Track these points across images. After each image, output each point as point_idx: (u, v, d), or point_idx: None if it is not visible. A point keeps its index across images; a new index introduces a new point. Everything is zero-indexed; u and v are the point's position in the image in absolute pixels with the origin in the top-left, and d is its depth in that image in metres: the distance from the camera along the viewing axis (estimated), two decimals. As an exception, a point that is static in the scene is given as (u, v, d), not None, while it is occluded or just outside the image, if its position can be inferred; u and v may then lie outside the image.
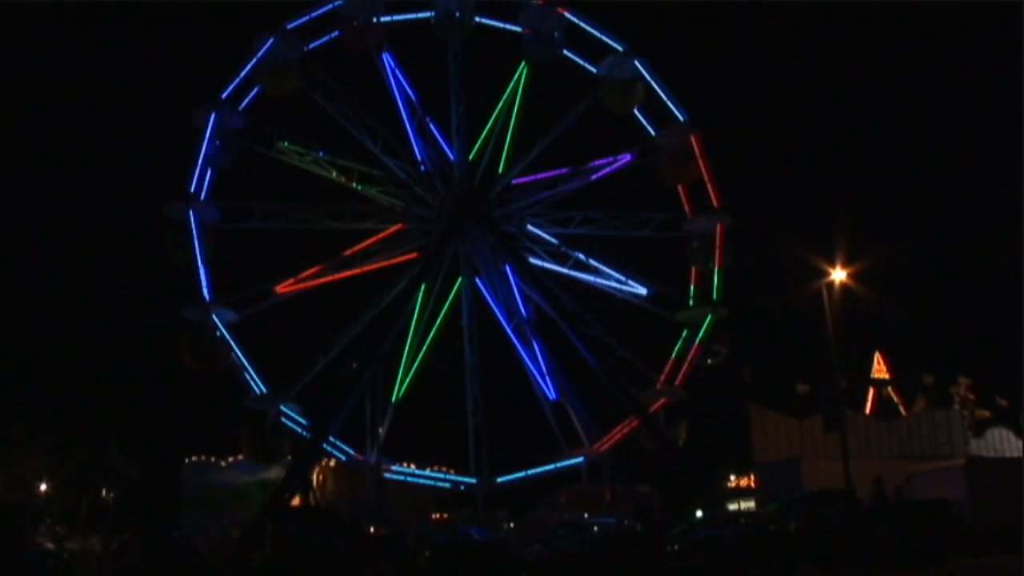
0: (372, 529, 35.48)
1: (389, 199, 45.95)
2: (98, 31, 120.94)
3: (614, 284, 47.17)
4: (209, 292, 41.92)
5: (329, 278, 45.21)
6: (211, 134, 43.05)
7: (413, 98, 46.65)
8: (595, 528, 32.84)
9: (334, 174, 45.42)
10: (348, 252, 45.26)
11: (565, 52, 47.47)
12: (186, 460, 56.84)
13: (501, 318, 47.10)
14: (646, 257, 48.81)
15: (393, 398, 44.77)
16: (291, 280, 44.30)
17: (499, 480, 45.23)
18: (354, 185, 45.39)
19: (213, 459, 55.95)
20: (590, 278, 47.21)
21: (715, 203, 46.72)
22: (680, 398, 44.99)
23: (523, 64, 47.26)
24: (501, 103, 47.02)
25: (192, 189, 42.70)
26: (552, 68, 48.14)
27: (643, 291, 47.00)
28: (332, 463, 50.66)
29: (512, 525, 47.23)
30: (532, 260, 46.34)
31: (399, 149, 45.66)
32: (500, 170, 46.63)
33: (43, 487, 58.72)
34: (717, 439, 58.76)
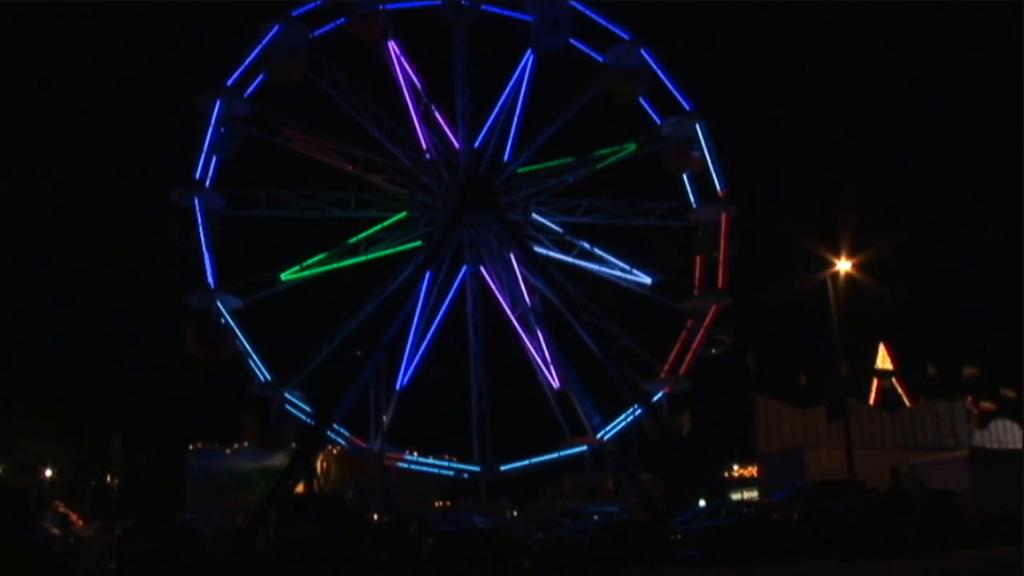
0: (375, 516, 35.53)
1: (394, 187, 45.94)
2: (104, 17, 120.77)
3: (619, 273, 47.19)
4: (214, 279, 42.01)
5: (334, 265, 45.24)
6: (216, 121, 43.06)
7: (418, 86, 46.64)
8: (598, 517, 32.84)
9: (339, 161, 45.37)
10: (353, 239, 45.30)
11: (571, 40, 47.38)
12: (191, 447, 57.04)
13: (506, 306, 47.17)
14: (651, 246, 48.60)
15: (397, 386, 44.89)
16: (295, 267, 44.36)
17: (502, 468, 45.42)
18: (359, 172, 45.37)
19: (217, 446, 56.13)
20: (595, 267, 47.23)
21: (720, 192, 46.71)
22: (684, 387, 45.04)
23: (529, 52, 47.19)
24: (507, 91, 47.01)
25: (197, 176, 42.73)
26: (558, 56, 48.12)
27: (648, 280, 47.04)
28: (336, 450, 50.79)
29: (515, 513, 47.31)
30: (537, 248, 46.34)
31: (404, 137, 45.67)
32: (505, 158, 46.64)
33: (48, 472, 58.94)
34: (721, 428, 58.77)
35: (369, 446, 43.31)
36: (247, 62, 44.13)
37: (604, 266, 47.21)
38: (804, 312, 47.95)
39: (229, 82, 43.91)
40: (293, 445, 42.46)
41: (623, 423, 44.79)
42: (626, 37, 47.05)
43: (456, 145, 46.67)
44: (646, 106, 47.90)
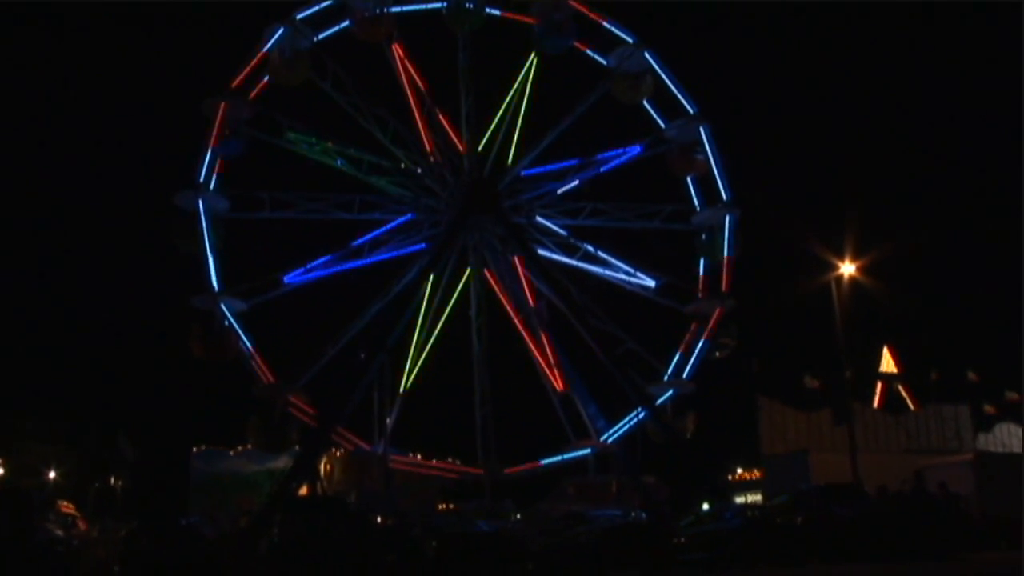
0: (379, 519, 35.53)
1: (398, 190, 46.01)
2: (108, 20, 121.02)
3: (623, 276, 47.18)
4: (218, 281, 42.02)
5: (338, 268, 45.28)
6: (221, 124, 43.08)
7: (422, 88, 46.65)
8: (601, 520, 32.81)
9: (342, 163, 45.42)
10: (357, 242, 45.33)
11: (575, 43, 47.39)
12: (194, 449, 57.03)
13: (509, 309, 47.17)
14: (654, 249, 48.62)
15: (401, 388, 44.91)
16: (299, 270, 44.38)
17: (506, 471, 45.38)
18: (363, 175, 45.42)
19: (221, 448, 56.11)
20: (599, 270, 47.23)
21: (724, 196, 46.69)
22: (688, 390, 45.02)
23: (533, 55, 47.22)
24: (511, 94, 47.05)
25: (201, 178, 42.76)
26: (562, 59, 48.13)
27: (651, 283, 47.02)
28: (340, 453, 50.79)
29: (518, 516, 47.26)
30: (541, 252, 46.34)
31: (408, 140, 45.71)
32: (509, 161, 46.67)
33: (52, 474, 59.02)
34: (724, 431, 58.76)
35: (373, 449, 43.32)
36: (251, 65, 44.17)
37: (608, 269, 47.21)
38: (808, 315, 47.96)
39: (233, 85, 43.92)
40: (296, 448, 42.47)
41: (627, 426, 44.78)
42: (630, 40, 47.07)
43: (460, 148, 46.68)
44: (650, 109, 47.92)
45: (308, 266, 44.43)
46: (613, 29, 47.20)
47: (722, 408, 56.07)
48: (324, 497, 39.26)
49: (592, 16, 47.04)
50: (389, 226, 45.68)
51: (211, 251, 42.09)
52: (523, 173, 46.99)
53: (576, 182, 47.73)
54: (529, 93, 46.96)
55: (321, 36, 45.32)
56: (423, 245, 45.92)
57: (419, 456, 46.44)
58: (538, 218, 47.25)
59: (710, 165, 46.78)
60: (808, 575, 23.48)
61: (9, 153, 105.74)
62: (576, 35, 47.19)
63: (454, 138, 46.79)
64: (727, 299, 45.64)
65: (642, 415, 44.08)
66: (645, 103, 47.77)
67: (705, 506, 37.77)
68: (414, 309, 44.27)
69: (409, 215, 45.95)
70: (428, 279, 44.23)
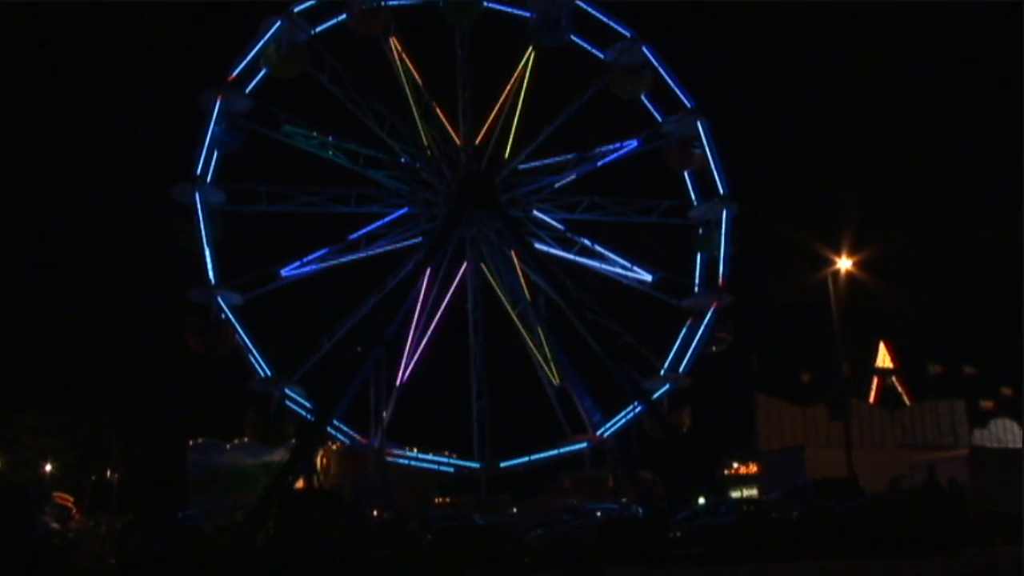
0: (375, 512, 35.55)
1: (395, 183, 45.92)
2: (105, 12, 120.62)
3: (619, 270, 47.17)
4: (214, 274, 41.89)
5: (334, 262, 45.23)
6: (217, 117, 42.98)
7: (420, 82, 46.56)
8: (598, 514, 32.87)
9: (338, 156, 45.31)
10: (353, 236, 45.29)
11: (572, 37, 47.32)
12: (191, 442, 57.03)
13: (506, 303, 47.18)
14: (651, 243, 48.62)
15: (397, 382, 44.90)
16: (296, 263, 44.35)
17: (502, 465, 45.40)
18: (360, 168, 45.36)
19: (217, 441, 56.11)
20: (596, 264, 47.21)
21: (721, 190, 46.67)
22: (684, 385, 45.04)
23: (530, 49, 47.15)
24: (508, 88, 46.95)
25: (198, 172, 42.64)
26: (559, 53, 48.08)
27: (648, 277, 46.99)
28: (336, 446, 50.81)
29: (515, 510, 47.31)
30: (538, 245, 46.32)
31: (405, 133, 45.60)
32: (506, 155, 46.61)
33: (48, 468, 59.01)
34: (721, 426, 58.86)
35: (369, 442, 43.34)
36: (248, 58, 44.01)
37: (605, 263, 47.18)
38: (805, 310, 48.01)
39: (230, 78, 43.75)
40: (293, 441, 42.46)
41: (623, 420, 44.77)
42: (628, 34, 47.00)
43: (457, 142, 46.62)
44: (647, 103, 47.88)
45: (305, 259, 44.38)
46: (611, 23, 47.11)
47: (718, 403, 56.20)
48: (320, 490, 39.25)
49: (590, 10, 46.93)
50: (386, 219, 45.62)
51: (208, 244, 41.95)
52: (520, 167, 46.91)
53: (573, 176, 47.71)
54: (526, 87, 46.91)
55: (318, 29, 45.15)
56: (420, 239, 45.89)
57: (415, 450, 46.41)
58: (535, 212, 47.21)
59: (708, 159, 46.75)
60: (803, 570, 23.52)
61: (6, 146, 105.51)
62: (573, 29, 47.11)
63: (451, 132, 46.75)
64: (724, 294, 45.64)
65: (638, 409, 44.10)
66: (643, 97, 47.73)
67: (701, 500, 37.87)
68: (410, 303, 44.19)
69: (406, 208, 45.88)
70: (425, 272, 44.16)
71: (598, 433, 44.94)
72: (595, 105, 48.00)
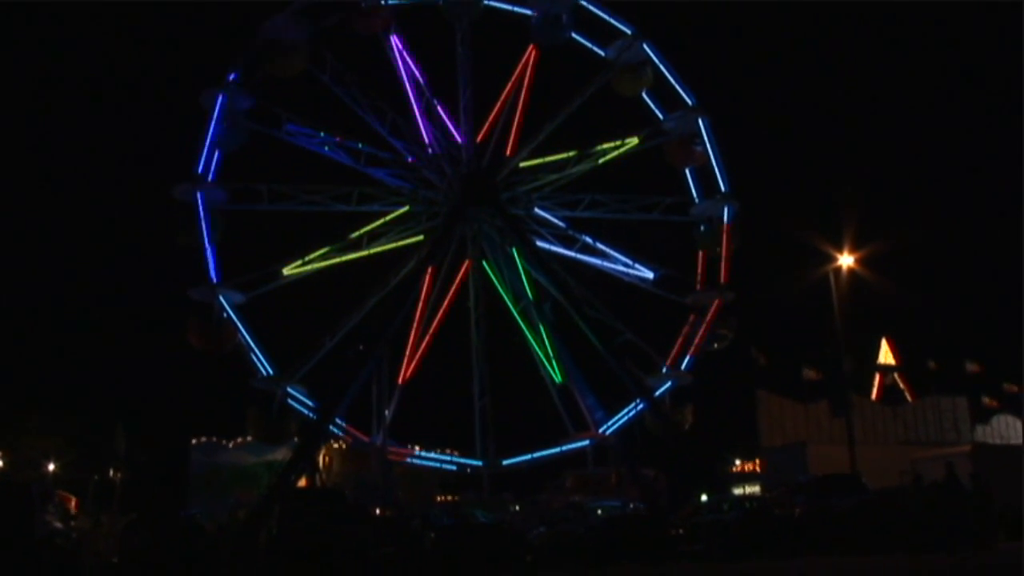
0: (377, 511, 35.57)
1: (396, 181, 45.90)
2: (107, 10, 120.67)
3: (621, 267, 47.16)
4: (216, 273, 41.97)
5: (336, 260, 45.23)
6: (219, 115, 42.98)
7: (421, 80, 46.55)
8: (600, 512, 32.88)
9: (338, 154, 45.28)
10: (355, 234, 45.27)
11: (573, 35, 47.29)
12: (193, 441, 57.03)
13: (508, 301, 47.17)
14: (653, 241, 48.60)
15: (399, 380, 44.91)
16: (298, 262, 44.34)
17: (505, 463, 45.41)
18: (361, 167, 45.34)
19: (220, 440, 56.12)
20: (597, 261, 47.21)
21: (723, 187, 46.66)
22: (686, 382, 45.05)
23: (531, 47, 47.11)
24: (509, 86, 46.94)
25: (200, 170, 42.66)
26: (560, 51, 48.05)
27: (650, 275, 47.00)
28: (338, 445, 50.83)
29: (517, 508, 47.33)
30: (539, 243, 46.33)
31: (407, 131, 45.61)
32: (508, 153, 46.57)
33: (51, 467, 58.97)
34: (723, 423, 58.83)
35: (371, 440, 43.35)
36: (249, 56, 44.01)
37: (606, 260, 47.18)
38: (806, 307, 47.99)
39: (231, 76, 43.75)
40: (295, 440, 42.49)
41: (625, 418, 44.82)
42: (628, 31, 46.96)
43: (458, 139, 46.62)
44: (649, 101, 47.87)
45: (306, 258, 44.38)
46: (612, 21, 47.06)
47: (720, 400, 56.18)
48: (323, 489, 39.27)
49: (591, 7, 46.89)
50: (387, 218, 45.59)
51: (209, 243, 42.03)
52: (521, 165, 46.87)
53: (574, 173, 47.66)
54: (527, 85, 46.87)
55: (319, 27, 45.09)
56: (421, 237, 45.88)
57: (418, 448, 46.43)
58: (536, 209, 47.19)
59: (709, 157, 46.75)
60: (806, 567, 23.49)
61: (7, 145, 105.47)
62: (574, 26, 47.07)
63: (452, 130, 46.73)
64: (726, 291, 45.65)
65: (640, 407, 44.12)
66: (644, 95, 47.70)
67: (704, 498, 37.85)
68: (412, 301, 44.20)
69: (407, 207, 45.85)
70: (426, 270, 44.16)
71: (600, 431, 44.99)
72: (596, 102, 48.07)
